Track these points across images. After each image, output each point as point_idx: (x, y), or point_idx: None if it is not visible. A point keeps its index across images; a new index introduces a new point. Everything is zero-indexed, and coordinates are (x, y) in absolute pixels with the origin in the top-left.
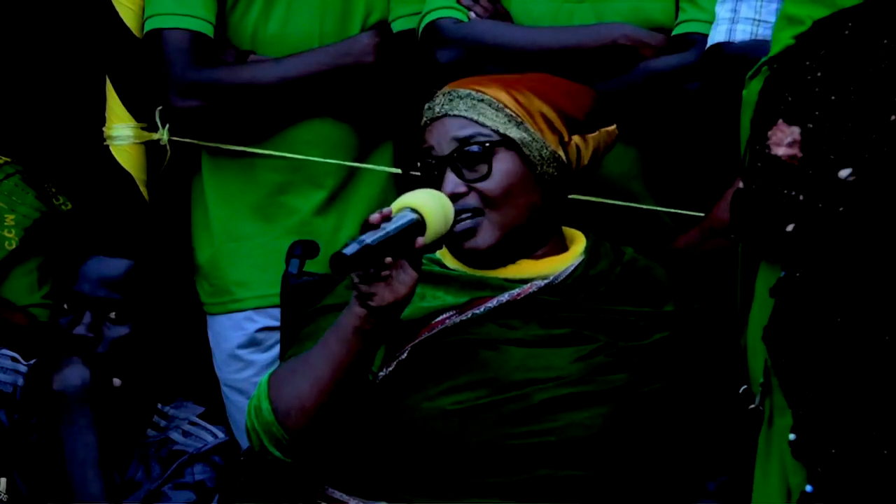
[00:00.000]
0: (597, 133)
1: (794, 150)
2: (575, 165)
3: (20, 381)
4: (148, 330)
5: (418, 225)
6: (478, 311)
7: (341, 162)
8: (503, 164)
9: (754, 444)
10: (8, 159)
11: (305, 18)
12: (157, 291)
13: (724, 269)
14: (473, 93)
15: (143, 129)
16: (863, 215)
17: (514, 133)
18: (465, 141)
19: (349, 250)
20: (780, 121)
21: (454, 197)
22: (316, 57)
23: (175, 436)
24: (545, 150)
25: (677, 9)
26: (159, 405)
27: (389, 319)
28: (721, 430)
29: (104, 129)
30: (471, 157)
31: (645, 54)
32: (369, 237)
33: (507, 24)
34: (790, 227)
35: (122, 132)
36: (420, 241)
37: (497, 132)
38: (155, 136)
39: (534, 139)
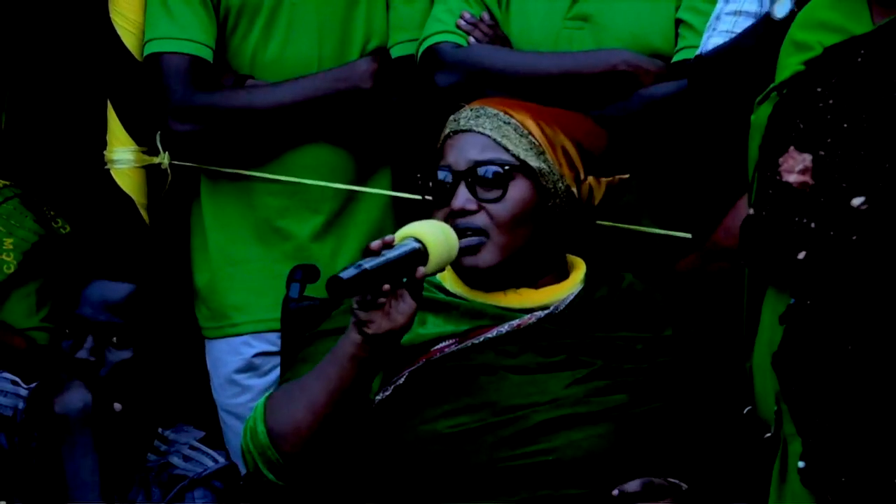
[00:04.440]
0: (611, 178)
1: (806, 178)
2: (585, 203)
3: (21, 405)
4: (149, 354)
5: (420, 254)
6: (477, 341)
7: (339, 185)
8: (517, 191)
9: (769, 472)
10: (7, 182)
11: (304, 43)
12: (157, 315)
13: (727, 291)
14: (501, 114)
15: (143, 152)
16: (875, 244)
17: (533, 161)
18: (485, 160)
19: (346, 274)
20: (792, 147)
21: (463, 213)
22: (313, 82)
23: (175, 460)
24: (560, 184)
25: (677, 35)
26: (160, 429)
27: (386, 347)
28: (733, 457)
29: (105, 152)
30: (488, 177)
31: (644, 81)
32: (368, 262)
33: (506, 49)
34: (801, 255)
35: (122, 156)
36: (421, 270)
37: (517, 157)
38: (156, 160)
39: (551, 171)
